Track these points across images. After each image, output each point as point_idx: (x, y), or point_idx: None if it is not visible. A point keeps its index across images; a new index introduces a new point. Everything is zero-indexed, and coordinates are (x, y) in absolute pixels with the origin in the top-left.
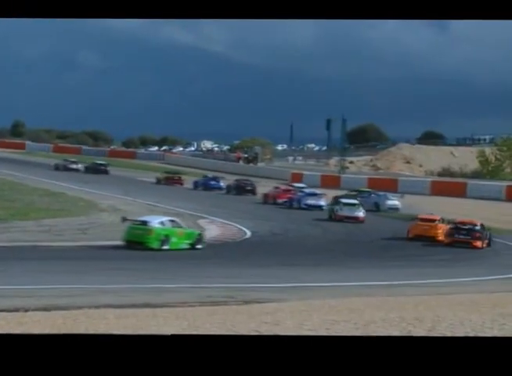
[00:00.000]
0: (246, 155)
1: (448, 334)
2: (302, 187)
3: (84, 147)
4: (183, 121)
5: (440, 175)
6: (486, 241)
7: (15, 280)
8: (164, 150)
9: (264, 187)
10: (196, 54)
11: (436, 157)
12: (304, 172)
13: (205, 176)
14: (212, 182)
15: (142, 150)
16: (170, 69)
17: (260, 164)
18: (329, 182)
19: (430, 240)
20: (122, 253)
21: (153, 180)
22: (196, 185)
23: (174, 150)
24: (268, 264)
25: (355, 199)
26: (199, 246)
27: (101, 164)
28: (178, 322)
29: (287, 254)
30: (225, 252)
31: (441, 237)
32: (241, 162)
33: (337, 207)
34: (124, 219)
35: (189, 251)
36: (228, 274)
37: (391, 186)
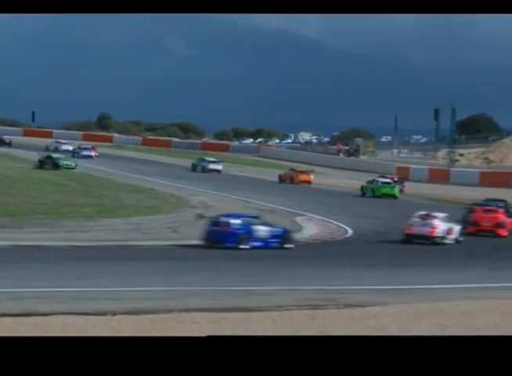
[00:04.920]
0: (347, 147)
1: None
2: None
3: (174, 140)
4: (280, 112)
5: None
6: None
7: (102, 282)
8: (259, 143)
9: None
10: (292, 40)
11: None
12: (411, 166)
13: None
14: None
15: (236, 143)
16: (264, 56)
17: (362, 158)
18: (437, 176)
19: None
20: (214, 253)
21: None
22: None
23: (269, 143)
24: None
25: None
26: None
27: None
28: (275, 327)
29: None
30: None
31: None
32: (341, 155)
33: (204, 164)
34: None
35: (280, 251)
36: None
37: (506, 180)
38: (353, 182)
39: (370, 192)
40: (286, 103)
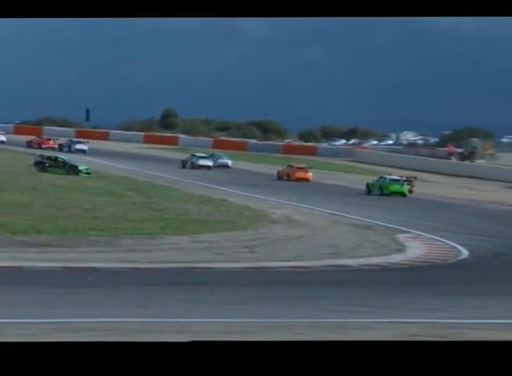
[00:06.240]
0: (460, 150)
1: None
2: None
3: (250, 141)
4: (377, 107)
5: None
6: None
7: (166, 311)
8: (353, 144)
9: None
10: (388, 21)
11: None
12: None
13: None
14: None
15: (325, 145)
16: (359, 39)
17: (479, 162)
18: None
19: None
20: (297, 278)
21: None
22: None
23: (365, 144)
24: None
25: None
26: None
27: None
28: None
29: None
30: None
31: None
32: (453, 159)
33: (194, 159)
34: None
35: (380, 275)
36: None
37: None
38: (469, 192)
39: (378, 190)
40: (385, 96)
